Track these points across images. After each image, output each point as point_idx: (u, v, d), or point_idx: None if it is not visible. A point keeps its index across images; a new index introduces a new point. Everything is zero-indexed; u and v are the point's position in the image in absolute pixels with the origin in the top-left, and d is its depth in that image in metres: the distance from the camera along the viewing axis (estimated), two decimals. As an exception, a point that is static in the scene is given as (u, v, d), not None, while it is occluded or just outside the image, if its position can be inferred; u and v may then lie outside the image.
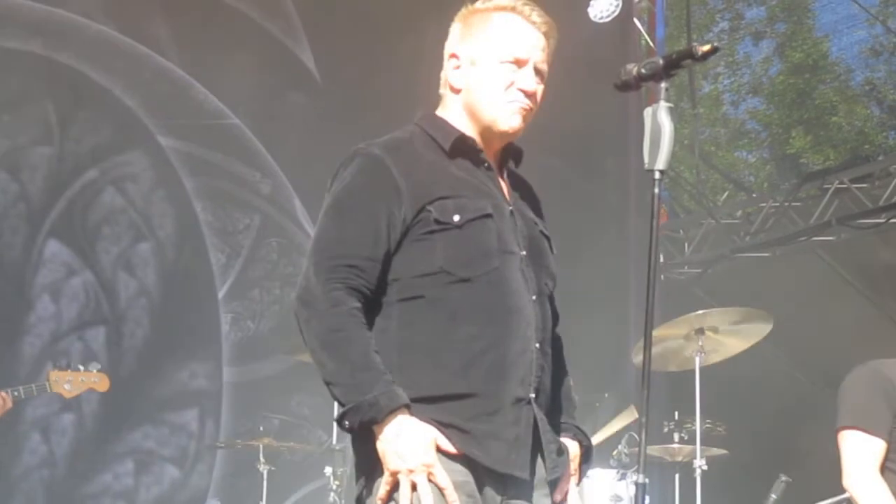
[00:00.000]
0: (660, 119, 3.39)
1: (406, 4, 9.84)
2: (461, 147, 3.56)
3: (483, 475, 3.39)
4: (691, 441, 7.52)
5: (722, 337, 7.58)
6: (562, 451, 3.55)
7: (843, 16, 16.59)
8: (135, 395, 9.49)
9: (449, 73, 3.63)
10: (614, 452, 7.40)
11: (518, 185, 3.70)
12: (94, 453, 9.42)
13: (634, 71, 3.48)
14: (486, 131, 3.59)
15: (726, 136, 21.26)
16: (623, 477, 7.29)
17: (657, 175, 3.40)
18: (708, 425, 7.72)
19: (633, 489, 7.01)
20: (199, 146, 9.97)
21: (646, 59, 3.50)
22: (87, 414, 9.18)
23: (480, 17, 3.62)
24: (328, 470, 7.95)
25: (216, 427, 9.81)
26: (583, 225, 9.31)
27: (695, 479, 7.38)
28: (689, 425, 7.68)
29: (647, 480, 3.40)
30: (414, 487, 3.31)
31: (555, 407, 3.61)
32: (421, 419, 3.34)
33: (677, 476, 7.77)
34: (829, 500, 6.53)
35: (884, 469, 5.21)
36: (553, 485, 3.52)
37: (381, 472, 3.36)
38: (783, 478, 7.33)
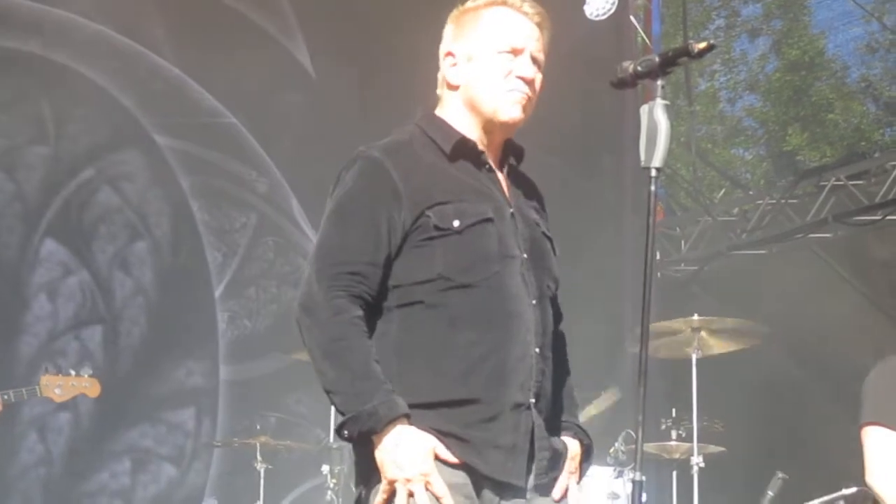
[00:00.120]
0: (656, 116, 3.39)
1: (402, 3, 9.83)
2: (462, 149, 3.55)
3: (481, 479, 3.40)
4: (688, 438, 7.53)
5: (717, 339, 7.61)
6: (556, 456, 3.54)
7: (839, 13, 16.59)
8: (131, 394, 9.50)
9: (446, 71, 3.63)
10: (611, 450, 7.40)
11: (520, 183, 3.69)
12: (90, 452, 9.42)
13: (631, 68, 3.48)
14: (488, 124, 3.58)
15: (723, 133, 21.25)
16: (620, 474, 7.30)
17: (654, 172, 3.39)
18: (705, 422, 7.72)
19: (630, 486, 7.03)
20: (196, 145, 9.97)
21: (642, 57, 3.51)
22: (84, 413, 9.18)
23: (472, 15, 3.62)
24: (325, 468, 7.96)
25: (213, 425, 9.81)
26: (579, 222, 9.31)
27: (692, 477, 7.38)
28: (686, 422, 7.68)
29: (644, 478, 3.40)
30: (411, 496, 3.31)
31: (556, 410, 3.61)
32: (420, 428, 3.35)
33: (674, 473, 7.78)
34: (827, 497, 6.53)
35: None
36: (541, 489, 3.50)
37: (379, 479, 3.36)
38: (780, 475, 7.33)
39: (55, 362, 9.19)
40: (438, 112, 3.65)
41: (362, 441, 3.38)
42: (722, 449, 7.72)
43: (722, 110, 21.46)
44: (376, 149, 3.52)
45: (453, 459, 3.36)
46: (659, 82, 3.45)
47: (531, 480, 3.47)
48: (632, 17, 10.37)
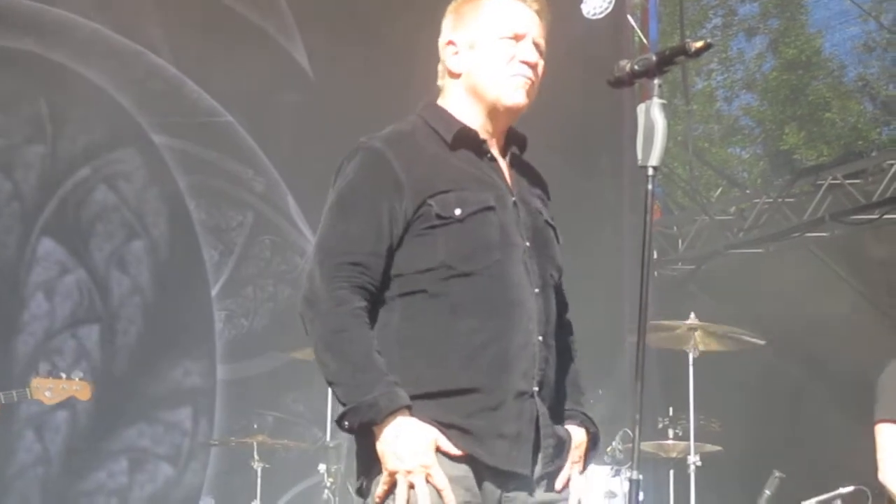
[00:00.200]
0: (653, 115, 3.38)
1: (400, 4, 9.83)
2: (463, 139, 3.55)
3: (483, 471, 3.39)
4: (685, 437, 7.52)
5: (713, 339, 7.61)
6: (561, 444, 3.54)
7: (836, 12, 16.62)
8: (128, 393, 9.50)
9: (448, 60, 3.62)
10: (608, 449, 7.40)
11: (524, 171, 3.69)
12: (88, 451, 9.41)
13: (628, 67, 3.47)
14: (492, 110, 3.58)
15: (720, 132, 21.26)
16: (617, 473, 7.30)
17: (651, 171, 3.39)
18: (702, 421, 7.72)
19: (627, 485, 7.04)
20: (193, 144, 9.97)
21: (639, 56, 3.50)
22: (81, 412, 9.17)
23: (472, 4, 3.62)
24: (322, 467, 7.96)
25: (210, 425, 9.81)
26: (577, 221, 9.27)
27: (689, 475, 7.38)
28: (683, 421, 7.68)
29: (641, 477, 3.41)
30: (411, 488, 3.31)
31: (560, 398, 3.60)
32: (421, 419, 3.34)
33: (671, 472, 7.78)
34: (824, 496, 6.54)
35: None
36: (549, 477, 3.50)
37: (380, 470, 3.36)
38: (777, 473, 7.34)
39: (52, 361, 9.20)
40: (440, 102, 3.64)
41: (363, 432, 3.38)
42: (719, 448, 7.72)
43: (719, 109, 21.47)
44: (378, 139, 3.52)
45: (455, 451, 3.35)
46: (656, 81, 3.45)
47: (538, 470, 3.47)
48: (629, 16, 10.38)
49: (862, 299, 10.26)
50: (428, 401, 3.37)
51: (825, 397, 10.21)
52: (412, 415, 3.33)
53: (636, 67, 3.46)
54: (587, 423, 3.66)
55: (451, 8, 3.68)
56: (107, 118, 9.74)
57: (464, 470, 3.36)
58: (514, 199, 3.55)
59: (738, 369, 8.99)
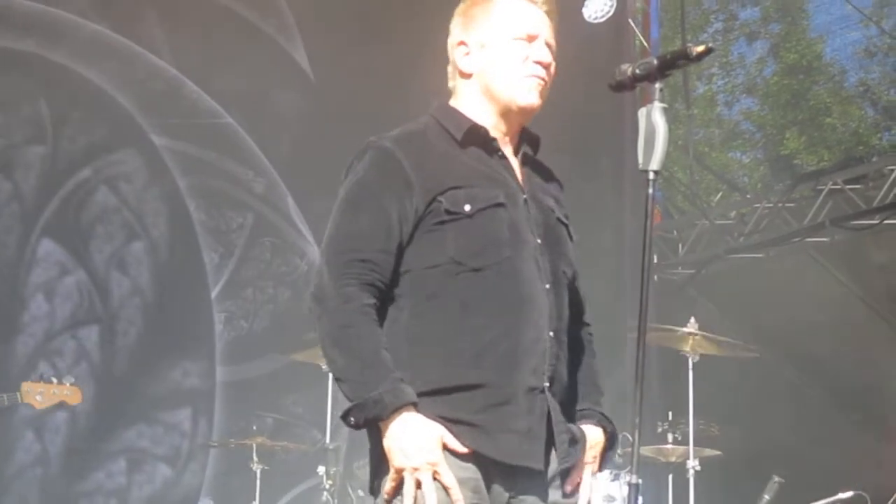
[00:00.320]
0: (654, 120, 3.38)
1: (400, 5, 9.83)
2: (473, 136, 3.55)
3: (492, 471, 3.38)
4: (685, 442, 7.52)
5: (713, 345, 7.62)
6: (575, 440, 3.52)
7: (837, 17, 16.61)
8: (128, 394, 9.50)
9: (459, 60, 3.62)
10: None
11: (537, 170, 3.70)
12: (87, 452, 9.42)
13: (629, 71, 3.47)
14: (504, 110, 3.58)
15: (720, 136, 21.27)
16: (616, 477, 7.28)
17: (651, 175, 3.39)
18: (701, 426, 7.72)
19: (626, 490, 7.03)
20: (193, 145, 9.97)
21: (640, 60, 3.50)
22: (81, 412, 9.16)
23: (482, 6, 3.62)
24: (321, 469, 7.94)
25: (209, 426, 9.81)
26: (577, 224, 9.28)
27: (688, 480, 7.38)
28: (682, 426, 7.68)
29: (640, 481, 3.40)
30: (419, 485, 3.30)
31: (572, 395, 3.59)
32: (428, 416, 3.33)
33: (671, 477, 7.78)
34: (823, 501, 6.55)
35: None
36: (564, 475, 3.49)
37: (388, 468, 3.36)
38: (776, 478, 7.34)
39: (52, 362, 9.20)
40: (452, 103, 3.64)
41: (374, 430, 3.37)
42: (718, 452, 7.72)
43: (719, 114, 21.48)
44: (387, 139, 3.53)
45: (462, 449, 3.34)
46: (657, 85, 3.45)
47: (553, 467, 3.46)
48: (630, 21, 10.36)
49: (862, 304, 10.25)
50: (436, 397, 3.36)
51: (825, 402, 10.20)
52: (419, 411, 3.32)
53: (637, 71, 3.46)
54: (604, 422, 3.64)
55: (459, 9, 3.68)
56: (107, 119, 9.75)
57: (471, 471, 3.35)
58: (525, 196, 3.55)
59: (737, 374, 8.99)
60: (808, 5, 19.85)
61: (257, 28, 10.18)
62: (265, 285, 10.10)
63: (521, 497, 3.42)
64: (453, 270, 3.42)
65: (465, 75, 3.61)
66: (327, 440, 8.05)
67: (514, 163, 3.62)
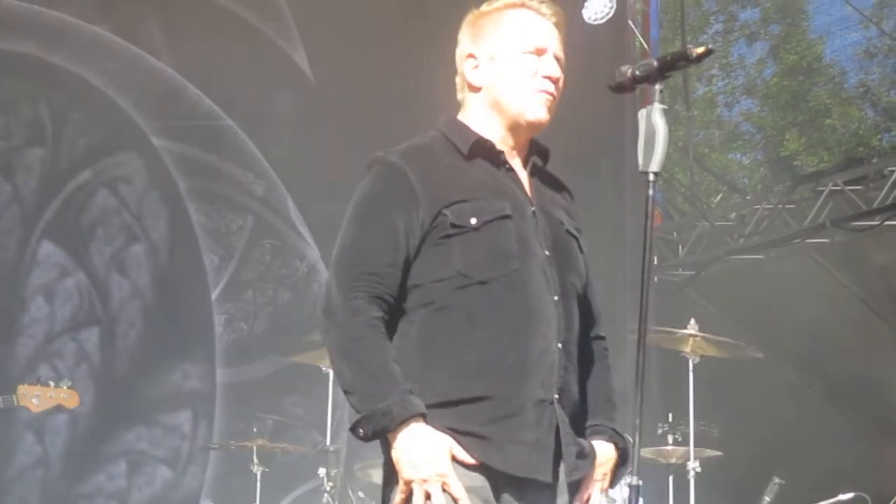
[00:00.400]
0: (654, 121, 3.38)
1: (400, 5, 9.83)
2: (480, 149, 3.55)
3: (501, 483, 3.37)
4: (685, 443, 7.52)
5: (713, 346, 7.61)
6: (584, 454, 3.51)
7: (837, 18, 16.59)
8: (128, 396, 9.49)
9: (468, 73, 3.61)
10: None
11: (547, 182, 3.69)
12: (87, 454, 9.41)
13: (629, 73, 3.47)
14: (513, 124, 3.58)
15: (720, 138, 21.25)
16: (617, 479, 7.28)
17: (651, 177, 3.39)
18: (702, 427, 7.71)
19: (626, 491, 7.02)
20: (193, 147, 9.97)
21: (640, 61, 3.50)
22: (81, 414, 9.16)
23: (490, 18, 3.62)
24: (322, 471, 7.94)
25: (209, 428, 9.81)
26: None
27: (688, 481, 7.37)
28: (682, 427, 7.67)
29: (640, 482, 3.39)
30: (428, 497, 3.30)
31: (582, 408, 3.58)
32: (436, 428, 3.33)
33: (671, 478, 7.77)
34: (823, 503, 6.54)
35: None
36: (573, 487, 3.48)
37: (398, 480, 3.36)
38: (777, 480, 7.33)
39: (52, 364, 9.20)
40: (461, 116, 3.64)
41: (383, 441, 3.37)
42: (718, 453, 7.71)
43: (719, 115, 21.47)
44: (394, 153, 3.53)
45: (470, 460, 3.34)
46: (657, 87, 3.45)
47: (561, 479, 3.44)
48: (630, 22, 10.37)
49: (862, 306, 10.25)
50: (444, 409, 3.36)
51: (825, 403, 10.20)
52: (427, 423, 3.33)
53: (637, 73, 3.46)
54: (616, 438, 3.61)
55: (467, 20, 3.67)
56: (107, 121, 9.75)
57: (480, 480, 3.35)
58: (533, 208, 3.55)
59: (737, 375, 8.98)
60: (808, 6, 19.84)
61: (257, 30, 10.18)
62: (265, 287, 10.10)
63: None
64: (460, 283, 3.42)
65: (474, 88, 3.61)
66: (328, 442, 8.06)
67: (523, 175, 3.62)
